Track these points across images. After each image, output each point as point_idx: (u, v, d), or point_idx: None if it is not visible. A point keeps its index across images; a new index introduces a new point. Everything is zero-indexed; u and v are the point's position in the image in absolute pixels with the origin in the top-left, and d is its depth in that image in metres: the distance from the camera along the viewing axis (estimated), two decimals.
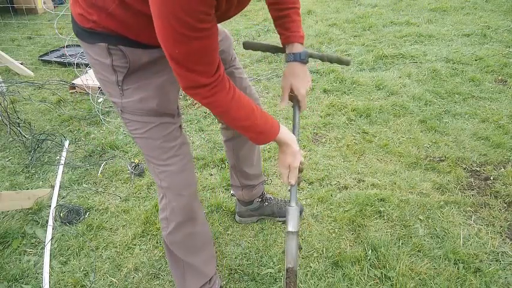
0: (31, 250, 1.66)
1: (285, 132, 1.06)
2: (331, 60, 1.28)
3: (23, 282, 1.51)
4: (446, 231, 1.63)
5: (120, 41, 0.92)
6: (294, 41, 1.19)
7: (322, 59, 1.29)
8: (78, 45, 3.71)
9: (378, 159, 2.11)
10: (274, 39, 3.85)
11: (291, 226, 1.09)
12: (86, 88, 2.97)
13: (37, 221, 1.81)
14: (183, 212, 1.17)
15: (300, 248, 1.60)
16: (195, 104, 2.76)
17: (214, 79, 0.87)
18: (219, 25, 1.21)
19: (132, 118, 1.05)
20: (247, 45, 1.34)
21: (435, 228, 1.64)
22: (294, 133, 1.17)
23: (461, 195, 1.82)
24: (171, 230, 1.20)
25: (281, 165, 1.11)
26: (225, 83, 0.90)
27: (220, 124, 1.47)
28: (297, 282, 0.97)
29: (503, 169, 1.97)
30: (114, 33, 0.91)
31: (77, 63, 3.41)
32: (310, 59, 1.24)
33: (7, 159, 2.28)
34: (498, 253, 1.52)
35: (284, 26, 1.18)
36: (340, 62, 1.28)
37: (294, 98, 1.24)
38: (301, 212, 1.72)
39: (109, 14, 0.88)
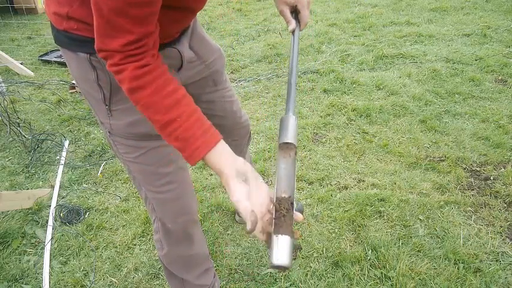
0: (31, 250, 1.66)
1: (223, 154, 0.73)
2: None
3: (23, 282, 1.51)
4: (446, 231, 1.63)
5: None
6: None
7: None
8: None
9: (378, 159, 2.11)
10: (274, 39, 3.86)
11: (289, 136, 0.75)
12: None
13: (37, 221, 1.81)
14: (178, 237, 1.09)
15: (299, 248, 1.61)
16: None
17: (135, 45, 0.68)
18: (215, 42, 1.09)
19: (122, 142, 0.92)
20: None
21: (435, 228, 1.64)
22: (293, 61, 0.90)
23: (461, 195, 1.82)
24: (166, 253, 1.14)
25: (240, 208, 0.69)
26: (148, 58, 0.70)
27: None
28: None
29: (503, 169, 1.97)
30: (91, 28, 0.72)
31: None
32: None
33: (7, 159, 2.28)
34: (498, 253, 1.52)
35: None
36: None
37: (295, 13, 1.03)
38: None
39: (82, 1, 0.74)
